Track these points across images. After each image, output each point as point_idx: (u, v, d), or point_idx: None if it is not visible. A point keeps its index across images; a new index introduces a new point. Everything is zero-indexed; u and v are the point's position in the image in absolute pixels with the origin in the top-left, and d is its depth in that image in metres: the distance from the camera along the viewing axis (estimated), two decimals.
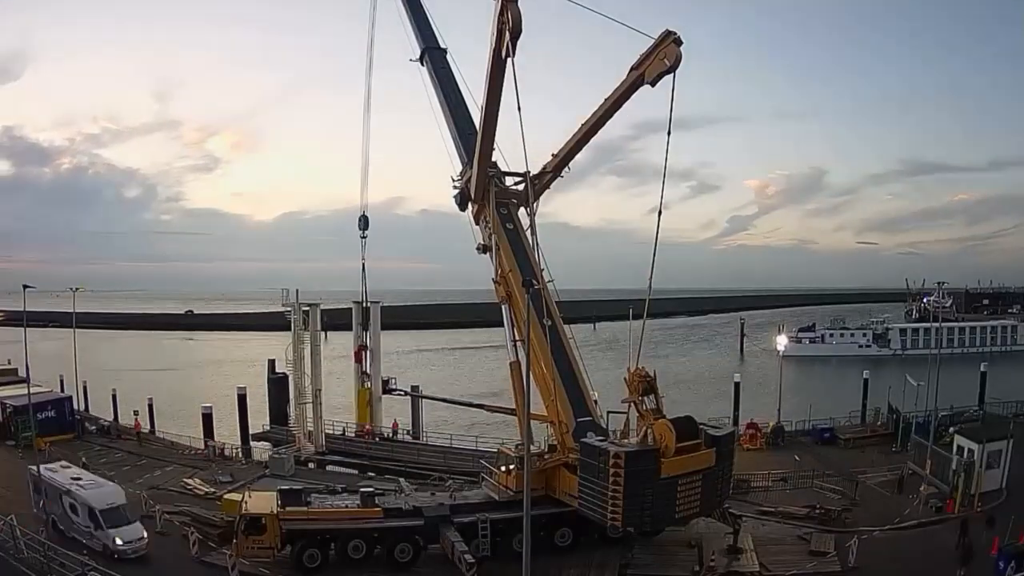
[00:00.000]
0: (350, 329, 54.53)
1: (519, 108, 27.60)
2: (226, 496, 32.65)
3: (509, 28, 25.58)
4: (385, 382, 48.82)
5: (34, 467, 30.22)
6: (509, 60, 26.68)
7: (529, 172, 32.45)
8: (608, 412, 33.59)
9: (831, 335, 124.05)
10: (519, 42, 26.19)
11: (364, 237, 52.35)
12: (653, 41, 27.82)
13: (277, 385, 57.19)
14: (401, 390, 49.12)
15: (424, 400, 54.76)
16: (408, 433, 53.65)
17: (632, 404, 28.80)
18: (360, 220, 52.41)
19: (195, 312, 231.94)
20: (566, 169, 33.31)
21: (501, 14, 25.86)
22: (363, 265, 52.96)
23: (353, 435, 51.70)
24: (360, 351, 52.93)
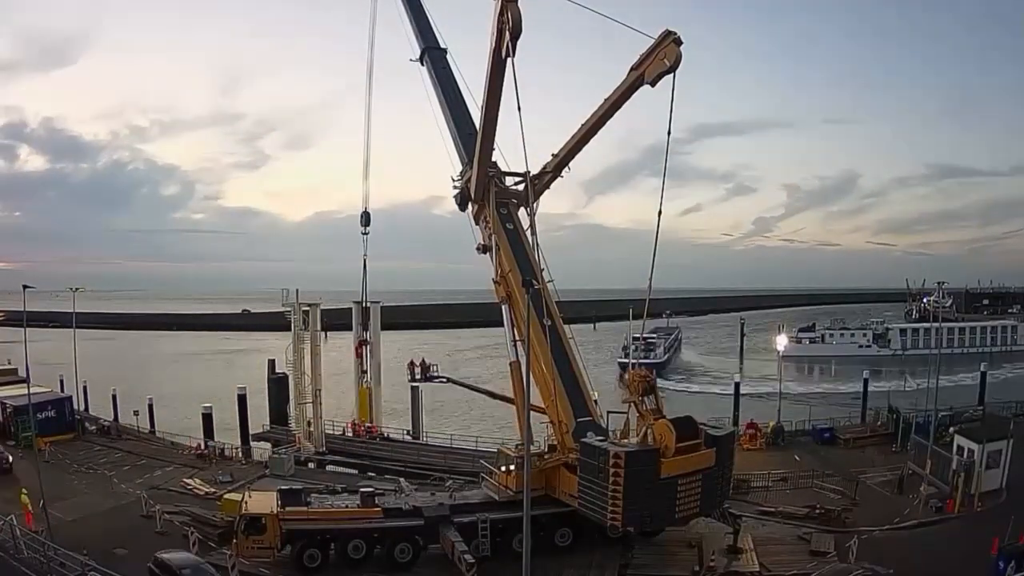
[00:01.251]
0: (350, 329, 54.52)
1: (519, 108, 27.64)
2: (226, 496, 32.66)
3: (509, 28, 25.57)
4: (426, 368, 45.64)
5: None
6: (509, 60, 26.68)
7: (529, 172, 32.46)
8: (608, 412, 33.63)
9: (831, 335, 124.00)
10: (519, 42, 26.17)
11: (366, 234, 52.29)
12: (653, 41, 27.79)
13: (277, 385, 57.25)
14: (444, 377, 47.56)
15: (422, 401, 54.79)
16: (408, 433, 53.66)
17: (632, 404, 28.81)
18: (362, 217, 52.30)
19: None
20: (566, 169, 33.27)
21: (501, 14, 25.84)
22: (364, 262, 52.93)
23: (351, 434, 51.76)
24: (360, 346, 52.95)
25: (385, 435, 51.87)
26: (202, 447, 45.95)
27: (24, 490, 30.97)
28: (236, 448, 47.59)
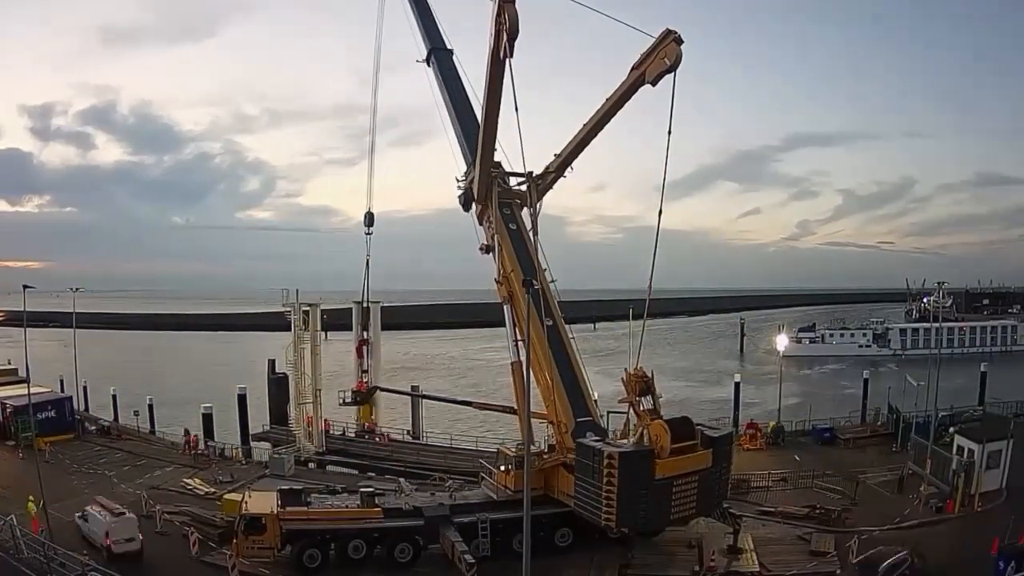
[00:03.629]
0: (351, 329, 54.49)
1: (516, 108, 27.63)
2: (226, 496, 32.67)
3: (507, 29, 25.52)
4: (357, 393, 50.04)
5: None
6: (508, 60, 26.65)
7: (531, 173, 32.48)
8: (608, 412, 33.66)
9: (831, 335, 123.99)
10: (520, 42, 26.11)
11: (369, 234, 52.31)
12: (654, 40, 27.75)
13: (277, 385, 57.20)
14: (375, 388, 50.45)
15: (424, 400, 54.84)
16: (408, 433, 53.65)
17: (630, 404, 28.81)
18: (365, 217, 52.34)
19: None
20: (569, 169, 33.25)
21: (499, 15, 25.79)
22: (367, 263, 52.93)
23: (353, 435, 51.77)
24: (361, 345, 52.95)
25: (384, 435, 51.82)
26: (200, 446, 45.88)
27: (31, 497, 30.45)
28: (236, 448, 47.60)
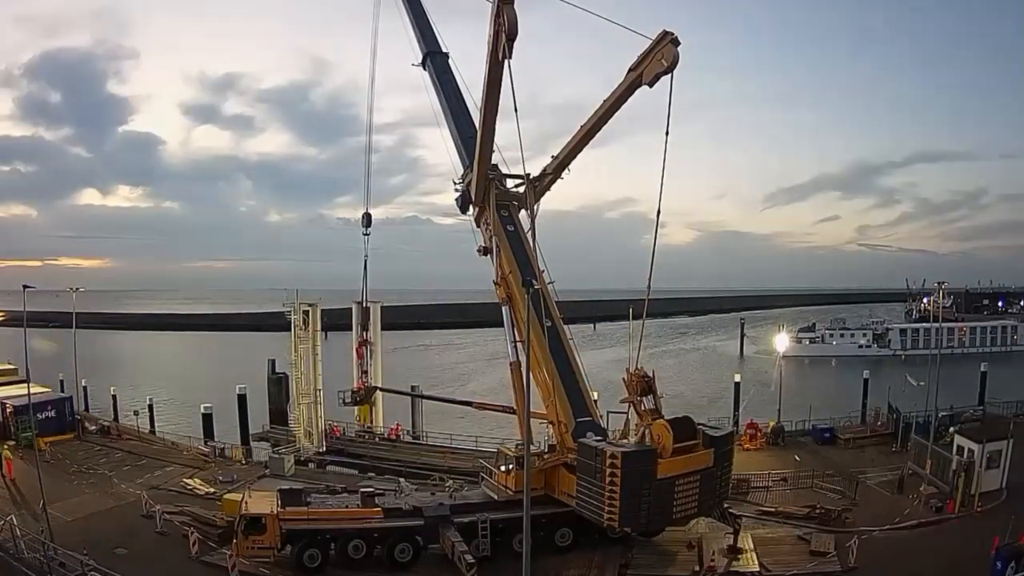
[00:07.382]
0: (351, 329, 54.51)
1: (516, 109, 27.71)
2: (226, 496, 32.69)
3: (505, 31, 25.50)
4: (356, 392, 50.31)
5: None
6: (506, 62, 26.66)
7: (528, 175, 32.47)
8: (608, 412, 33.69)
9: (831, 335, 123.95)
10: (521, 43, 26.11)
11: (367, 235, 52.40)
12: (651, 42, 27.76)
13: (277, 385, 57.20)
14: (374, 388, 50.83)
15: (422, 401, 54.95)
16: (408, 433, 53.67)
17: (631, 404, 28.85)
18: (363, 218, 52.40)
19: None
20: (566, 171, 33.29)
21: (497, 16, 25.78)
22: (365, 263, 53.01)
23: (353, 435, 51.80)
24: (361, 346, 53.00)
25: (384, 435, 51.86)
26: (215, 449, 45.95)
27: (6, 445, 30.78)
28: (236, 448, 47.61)
